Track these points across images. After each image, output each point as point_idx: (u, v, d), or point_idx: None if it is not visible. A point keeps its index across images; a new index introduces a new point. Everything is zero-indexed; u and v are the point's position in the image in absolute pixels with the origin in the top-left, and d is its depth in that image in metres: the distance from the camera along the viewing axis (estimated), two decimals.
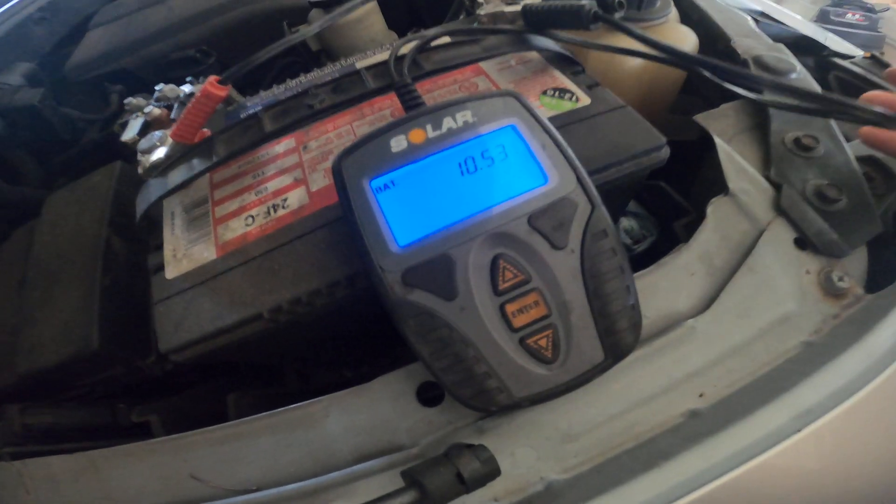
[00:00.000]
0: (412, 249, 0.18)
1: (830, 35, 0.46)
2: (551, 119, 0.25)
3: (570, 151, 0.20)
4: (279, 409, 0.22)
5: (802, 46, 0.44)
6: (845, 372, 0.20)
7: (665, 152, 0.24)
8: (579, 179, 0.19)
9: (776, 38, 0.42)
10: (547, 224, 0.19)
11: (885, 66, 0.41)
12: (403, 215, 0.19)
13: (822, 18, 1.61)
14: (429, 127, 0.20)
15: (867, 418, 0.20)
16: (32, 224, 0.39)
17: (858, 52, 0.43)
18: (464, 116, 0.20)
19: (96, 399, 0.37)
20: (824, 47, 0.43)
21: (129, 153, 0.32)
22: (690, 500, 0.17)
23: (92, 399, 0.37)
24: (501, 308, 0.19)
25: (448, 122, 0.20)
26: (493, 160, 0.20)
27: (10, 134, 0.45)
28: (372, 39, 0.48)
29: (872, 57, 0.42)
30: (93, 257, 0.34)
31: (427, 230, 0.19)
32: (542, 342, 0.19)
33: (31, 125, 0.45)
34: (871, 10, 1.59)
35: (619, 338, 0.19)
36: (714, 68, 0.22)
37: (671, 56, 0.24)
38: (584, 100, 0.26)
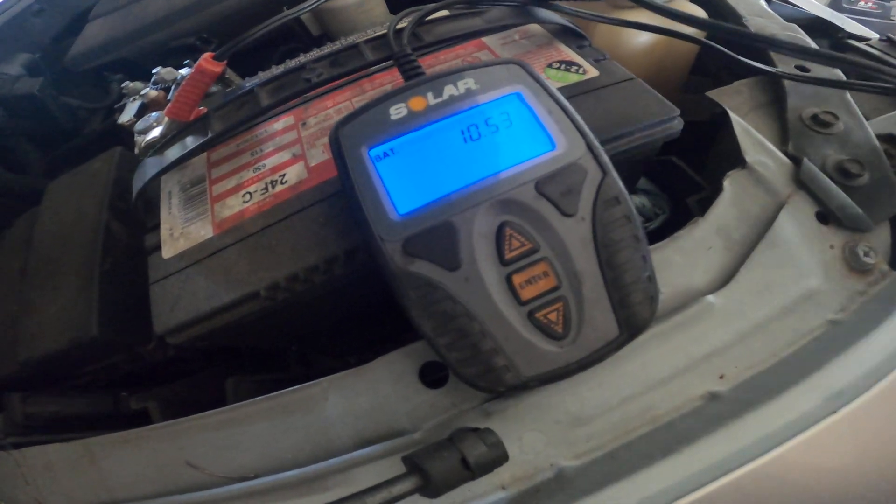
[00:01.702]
0: (413, 217, 0.18)
1: (844, 18, 0.44)
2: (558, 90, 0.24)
3: (578, 117, 0.19)
4: (276, 393, 0.21)
5: (816, 28, 0.42)
6: (878, 350, 0.19)
7: (678, 123, 0.23)
8: (589, 145, 0.18)
9: (789, 19, 0.40)
10: (555, 190, 0.18)
11: None
12: (404, 183, 0.18)
13: (835, 6, 1.57)
14: (429, 95, 0.19)
15: None
16: (34, 212, 0.38)
17: (874, 35, 0.41)
18: (466, 84, 0.19)
19: (99, 388, 0.37)
20: (839, 29, 0.42)
21: (130, 141, 0.32)
22: (715, 487, 0.16)
23: (94, 388, 0.36)
24: (508, 279, 0.17)
25: (450, 90, 0.19)
26: (497, 127, 0.19)
27: (10, 123, 0.45)
28: (373, 23, 0.47)
29: (888, 39, 0.40)
30: (93, 242, 0.33)
31: (428, 198, 0.18)
32: (552, 316, 0.17)
33: (32, 114, 0.45)
34: None
35: (634, 311, 0.18)
36: (732, 33, 0.21)
37: (690, 22, 0.23)
38: (592, 72, 0.25)
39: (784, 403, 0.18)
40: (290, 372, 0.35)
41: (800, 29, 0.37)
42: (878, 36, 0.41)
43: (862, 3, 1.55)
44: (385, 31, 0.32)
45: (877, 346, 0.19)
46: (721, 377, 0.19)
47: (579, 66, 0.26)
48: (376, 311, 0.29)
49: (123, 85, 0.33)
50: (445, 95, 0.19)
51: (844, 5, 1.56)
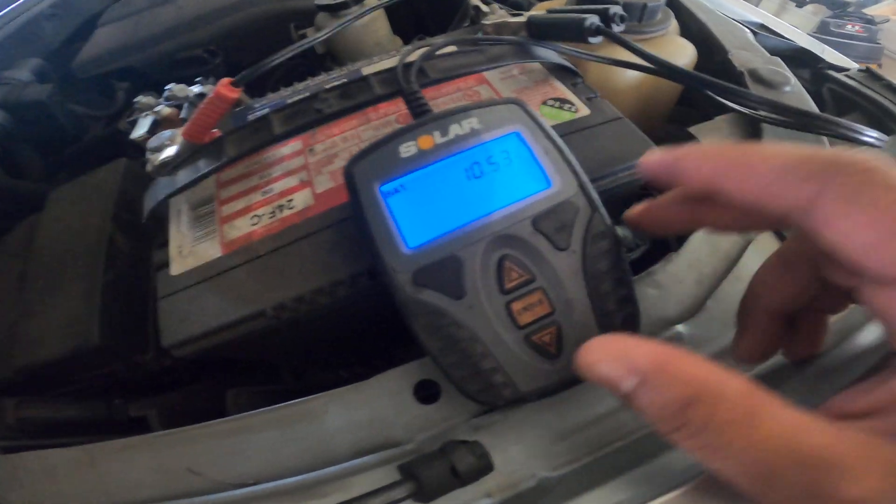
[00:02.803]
0: (422, 251, 0.19)
1: (827, 48, 0.47)
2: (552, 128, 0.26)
3: (571, 157, 0.21)
4: (279, 405, 0.22)
5: (799, 59, 0.45)
6: (827, 373, 0.21)
7: None
8: (580, 184, 0.20)
9: (774, 51, 0.43)
10: (550, 226, 0.20)
11: (880, 79, 0.42)
12: (413, 218, 0.20)
13: (823, 29, 1.64)
14: (437, 133, 0.20)
15: None
16: (35, 218, 0.39)
17: (854, 66, 0.44)
18: (470, 123, 0.21)
19: (93, 394, 0.37)
20: (820, 59, 0.45)
21: (132, 150, 0.32)
22: (671, 497, 0.18)
23: (88, 394, 0.37)
24: (507, 306, 0.19)
25: (455, 129, 0.21)
26: (498, 165, 0.20)
27: (17, 128, 0.45)
28: (377, 44, 0.49)
29: (867, 70, 0.43)
30: (95, 253, 0.34)
31: (436, 232, 0.19)
32: (547, 338, 0.19)
33: (39, 120, 0.46)
34: (870, 21, 1.63)
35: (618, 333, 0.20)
36: (706, 84, 0.23)
37: (666, 70, 0.25)
38: (583, 110, 0.27)
39: None
40: (285, 383, 0.36)
41: (782, 62, 0.40)
42: (857, 66, 0.44)
43: (849, 27, 1.62)
44: (391, 62, 0.34)
45: (827, 367, 0.21)
46: None
47: (572, 104, 0.28)
48: (370, 330, 0.30)
49: (136, 100, 0.34)
50: (451, 134, 0.21)
51: (832, 29, 1.63)
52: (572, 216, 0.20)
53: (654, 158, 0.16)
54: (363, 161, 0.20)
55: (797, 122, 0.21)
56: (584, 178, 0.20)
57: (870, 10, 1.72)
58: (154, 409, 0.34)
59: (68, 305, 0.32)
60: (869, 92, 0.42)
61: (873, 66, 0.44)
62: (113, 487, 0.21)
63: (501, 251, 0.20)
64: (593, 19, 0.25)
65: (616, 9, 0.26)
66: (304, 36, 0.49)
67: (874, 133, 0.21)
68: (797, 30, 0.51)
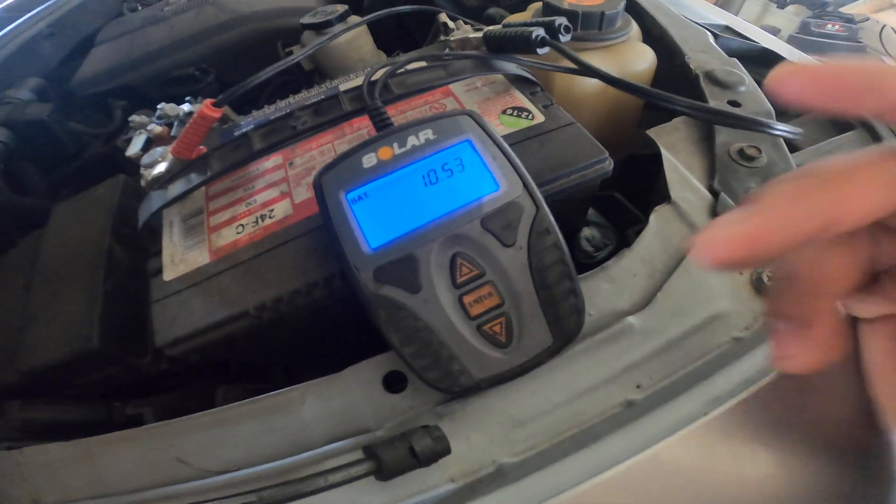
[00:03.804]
0: (382, 251, 0.21)
1: (794, 49, 0.49)
2: (508, 136, 0.28)
3: (516, 160, 0.23)
4: (259, 397, 0.24)
5: (764, 59, 0.47)
6: (757, 362, 0.22)
7: (608, 164, 0.27)
8: (525, 185, 0.22)
9: (736, 52, 0.45)
10: (497, 225, 0.22)
11: None
12: (374, 222, 0.22)
13: (804, 30, 1.66)
14: (395, 145, 0.23)
15: (766, 405, 0.22)
16: (39, 233, 0.41)
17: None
18: (426, 134, 0.23)
19: (93, 397, 0.39)
20: (783, 59, 0.46)
21: (130, 166, 0.35)
22: (609, 476, 0.20)
23: (89, 397, 0.39)
24: (460, 299, 0.21)
25: (412, 140, 0.23)
26: (451, 171, 0.23)
27: (18, 146, 0.48)
28: (361, 59, 0.52)
29: None
30: (96, 264, 0.36)
31: (395, 234, 0.22)
32: (497, 328, 0.21)
33: (40, 138, 0.48)
34: (850, 20, 1.64)
35: (564, 323, 0.21)
36: (637, 90, 0.25)
37: (604, 78, 0.27)
38: (539, 118, 0.29)
39: (673, 407, 0.21)
40: (275, 383, 0.38)
41: (738, 63, 0.42)
42: None
43: (830, 27, 1.64)
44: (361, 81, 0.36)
45: (759, 356, 0.22)
46: (638, 387, 0.22)
47: (529, 112, 0.30)
48: (351, 327, 0.33)
49: (130, 119, 0.36)
50: (408, 145, 0.23)
51: (813, 29, 1.65)
52: (518, 215, 0.22)
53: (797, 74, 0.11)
54: (330, 172, 0.23)
55: (722, 120, 0.23)
56: (529, 179, 0.22)
57: (847, 9, 1.73)
58: (148, 407, 0.36)
59: (70, 312, 0.34)
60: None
61: None
62: (108, 478, 0.23)
63: (454, 249, 0.22)
64: (539, 31, 0.27)
65: (561, 20, 0.28)
66: (290, 53, 0.52)
67: (787, 127, 0.23)
68: (762, 31, 0.53)
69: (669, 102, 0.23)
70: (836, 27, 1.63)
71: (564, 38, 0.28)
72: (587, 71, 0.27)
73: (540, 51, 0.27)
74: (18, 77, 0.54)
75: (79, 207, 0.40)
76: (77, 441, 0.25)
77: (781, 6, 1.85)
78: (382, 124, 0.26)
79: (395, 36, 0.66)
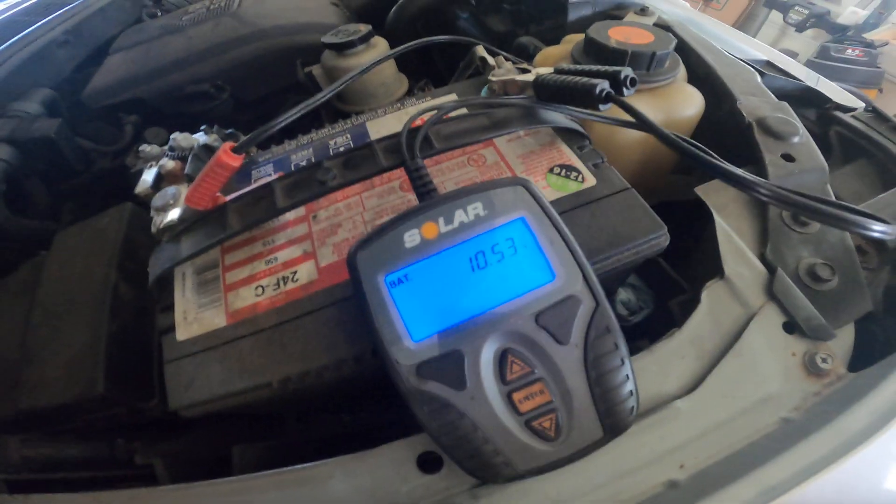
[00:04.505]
0: (425, 345, 0.19)
1: (836, 87, 0.47)
2: (556, 201, 0.26)
3: (577, 247, 0.21)
4: (286, 468, 0.22)
5: (805, 98, 0.45)
6: (813, 452, 0.21)
7: (665, 240, 0.25)
8: (585, 277, 0.20)
9: (778, 92, 0.42)
10: (553, 322, 0.19)
11: (886, 119, 0.42)
12: (417, 310, 0.20)
13: (823, 54, 1.64)
14: (441, 220, 0.20)
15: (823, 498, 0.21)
16: (40, 260, 0.39)
17: (860, 105, 0.44)
18: (475, 209, 0.21)
19: (95, 433, 0.37)
20: (827, 100, 0.44)
21: (134, 194, 0.32)
22: None
23: (90, 433, 0.37)
24: (508, 396, 0.20)
25: (460, 216, 0.21)
26: (502, 255, 0.20)
27: (23, 163, 0.45)
28: (382, 83, 0.49)
29: (874, 110, 0.43)
30: (100, 301, 0.34)
31: (439, 326, 0.19)
32: (546, 424, 0.20)
33: (46, 155, 0.46)
34: (870, 45, 1.62)
35: (617, 419, 0.20)
36: (712, 168, 0.23)
37: (670, 142, 0.25)
38: (590, 180, 0.27)
39: (725, 495, 0.20)
40: (289, 434, 0.36)
41: (790, 109, 0.40)
42: (863, 105, 0.44)
43: (849, 52, 1.61)
44: (397, 119, 0.33)
45: (814, 447, 0.21)
46: (681, 466, 0.22)
47: (579, 173, 0.27)
48: (374, 390, 0.30)
49: (140, 149, 0.34)
50: (456, 223, 0.21)
51: (833, 54, 1.62)
52: (575, 311, 0.20)
53: None
54: (366, 249, 0.20)
55: (818, 216, 0.20)
56: (590, 270, 0.20)
57: (869, 35, 1.71)
58: (159, 457, 0.34)
59: (72, 353, 0.32)
60: (875, 135, 0.41)
61: (872, 94, 0.43)
62: None
63: (504, 345, 0.20)
64: (604, 85, 0.25)
65: (627, 71, 0.25)
66: (309, 74, 0.49)
67: (882, 226, 0.20)
68: (803, 67, 0.51)
69: (754, 189, 0.21)
70: (856, 52, 1.60)
71: (628, 92, 0.25)
72: (661, 136, 0.24)
73: (602, 107, 0.25)
74: (29, 86, 0.51)
75: (83, 237, 0.38)
76: (88, 494, 0.23)
77: (800, 30, 1.82)
78: (424, 189, 0.23)
79: (413, 58, 0.64)
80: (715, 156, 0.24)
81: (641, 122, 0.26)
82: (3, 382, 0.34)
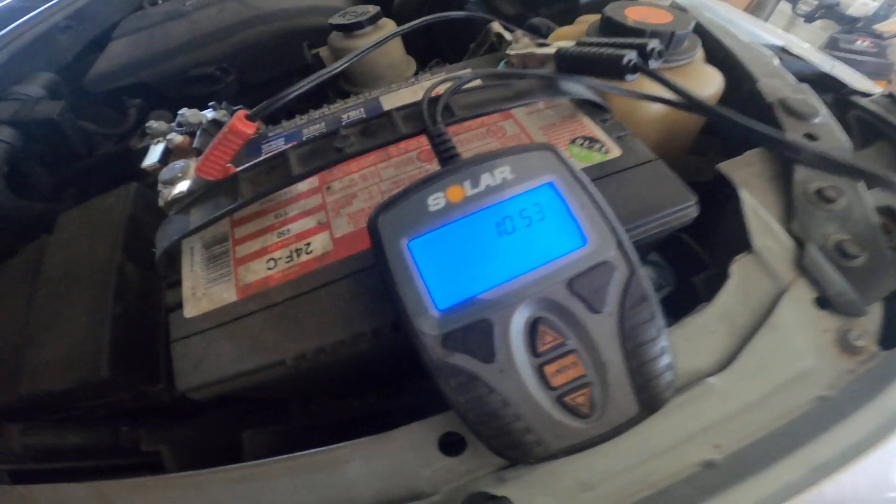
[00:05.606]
0: (452, 314, 0.18)
1: (852, 72, 0.46)
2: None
3: (609, 211, 0.20)
4: (300, 453, 0.21)
5: (822, 83, 0.44)
6: (859, 429, 0.20)
7: (695, 210, 0.24)
8: (619, 242, 0.19)
9: (797, 77, 0.42)
10: (586, 289, 0.18)
11: None
12: (442, 277, 0.19)
13: (832, 45, 1.62)
14: (467, 184, 0.19)
15: (876, 475, 0.20)
16: (42, 242, 0.38)
17: (877, 89, 0.43)
18: (502, 173, 0.20)
19: (98, 420, 0.36)
20: (844, 84, 0.43)
21: (141, 169, 0.31)
22: None
23: (93, 419, 0.36)
24: (540, 369, 0.18)
25: (486, 179, 0.20)
26: (531, 220, 0.19)
27: (25, 146, 0.44)
28: (390, 65, 0.48)
29: (890, 95, 0.42)
30: (104, 283, 0.33)
31: (466, 294, 0.18)
32: (580, 399, 0.19)
33: (48, 138, 0.45)
34: (879, 37, 1.61)
35: (654, 394, 0.19)
36: (750, 131, 0.22)
37: (706, 111, 0.24)
38: (614, 151, 0.26)
39: (773, 474, 0.19)
40: (296, 419, 0.35)
41: (811, 89, 0.39)
42: (881, 91, 0.43)
43: (859, 43, 1.60)
44: (410, 92, 0.32)
45: (859, 424, 0.21)
46: (716, 446, 0.21)
47: (602, 144, 0.26)
48: (388, 367, 0.29)
49: (147, 125, 0.33)
50: (482, 186, 0.19)
51: (842, 45, 1.61)
52: (609, 277, 0.19)
53: None
54: (388, 213, 0.19)
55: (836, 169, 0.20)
56: (624, 235, 0.19)
57: (879, 26, 1.70)
58: (166, 444, 0.33)
59: (76, 336, 0.31)
60: (894, 119, 0.41)
61: (881, 85, 0.43)
62: None
63: (535, 314, 0.18)
64: (632, 56, 0.24)
65: (654, 43, 0.24)
66: (316, 55, 0.48)
67: None
68: (817, 52, 0.50)
69: (794, 150, 0.20)
70: (866, 43, 1.59)
71: (654, 64, 0.24)
72: (692, 105, 0.23)
73: (629, 77, 0.24)
74: (31, 70, 0.50)
75: (87, 218, 0.37)
76: (91, 484, 0.22)
77: (809, 20, 1.81)
78: (447, 154, 0.22)
79: (419, 41, 0.63)
80: (774, 133, 0.23)
81: (685, 98, 0.25)
82: (4, 368, 0.33)
